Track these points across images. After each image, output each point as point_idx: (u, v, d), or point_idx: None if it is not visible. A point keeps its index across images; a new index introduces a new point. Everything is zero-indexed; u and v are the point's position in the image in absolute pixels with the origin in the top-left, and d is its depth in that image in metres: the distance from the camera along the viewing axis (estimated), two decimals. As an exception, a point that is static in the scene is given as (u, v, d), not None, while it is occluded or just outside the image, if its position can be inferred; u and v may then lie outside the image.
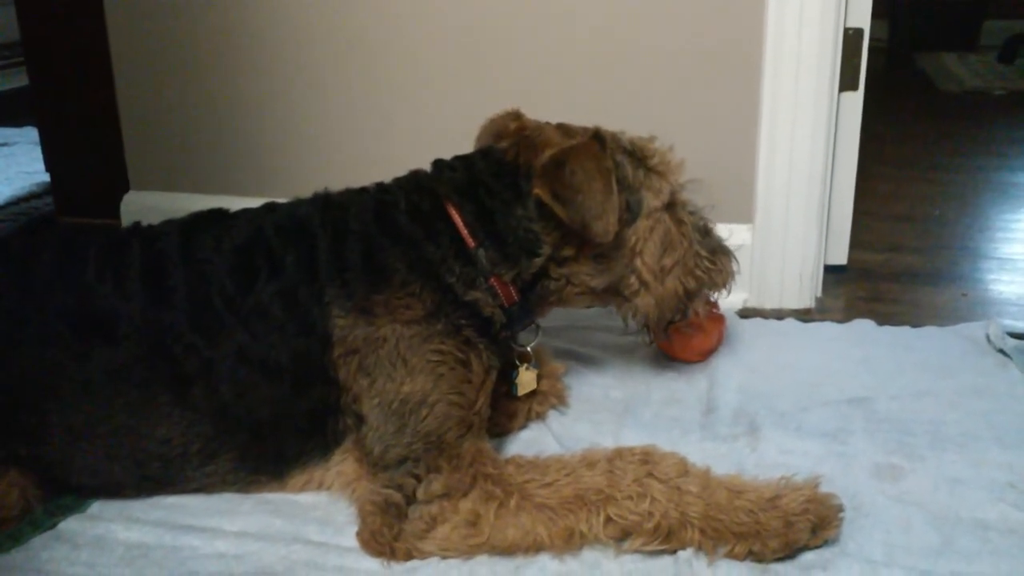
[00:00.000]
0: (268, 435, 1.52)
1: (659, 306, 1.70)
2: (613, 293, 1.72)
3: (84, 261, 1.54)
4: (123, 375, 1.48)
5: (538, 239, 1.60)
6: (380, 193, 1.63)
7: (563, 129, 1.65)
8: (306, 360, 1.50)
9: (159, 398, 1.48)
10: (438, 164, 1.67)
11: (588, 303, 1.75)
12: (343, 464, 1.54)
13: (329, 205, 1.61)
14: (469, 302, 1.57)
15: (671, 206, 1.70)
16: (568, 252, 1.63)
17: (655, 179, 1.67)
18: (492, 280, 1.59)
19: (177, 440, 1.50)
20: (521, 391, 1.75)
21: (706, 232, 1.76)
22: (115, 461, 1.52)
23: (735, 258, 1.80)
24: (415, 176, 1.66)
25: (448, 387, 1.50)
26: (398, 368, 1.48)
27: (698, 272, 1.72)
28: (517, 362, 1.75)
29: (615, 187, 1.54)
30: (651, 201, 1.66)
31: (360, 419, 1.50)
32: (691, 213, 1.74)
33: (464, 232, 1.57)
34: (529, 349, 1.76)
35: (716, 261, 1.75)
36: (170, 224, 1.63)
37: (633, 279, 1.68)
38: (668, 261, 1.68)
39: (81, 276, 1.52)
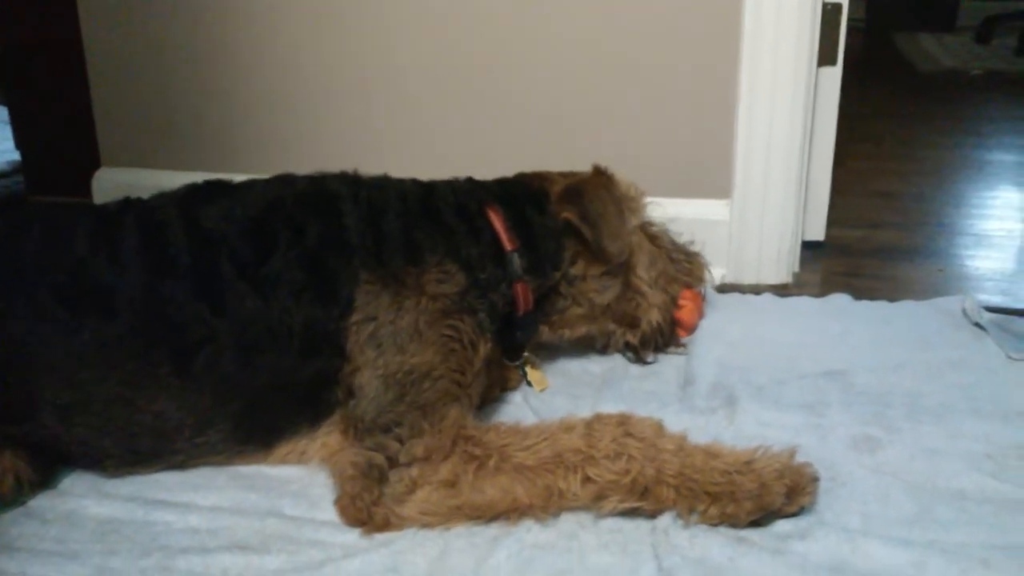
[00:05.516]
0: (265, 404, 1.51)
1: (661, 312, 1.86)
2: (610, 315, 1.84)
3: (75, 236, 1.51)
4: (119, 348, 1.45)
5: (561, 254, 1.73)
6: (424, 185, 1.70)
7: (562, 173, 1.81)
8: (320, 325, 1.49)
9: (158, 369, 1.46)
10: (472, 180, 1.76)
11: (585, 328, 1.85)
12: (329, 436, 1.53)
13: (360, 183, 1.64)
14: (490, 300, 1.63)
15: (642, 225, 1.89)
16: (577, 271, 1.76)
17: (631, 202, 1.84)
18: (517, 284, 1.67)
19: (172, 413, 1.47)
20: (538, 387, 1.83)
21: (673, 241, 1.96)
22: (106, 435, 1.48)
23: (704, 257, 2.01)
24: (453, 181, 1.74)
25: (455, 364, 1.52)
26: (412, 340, 1.49)
27: (681, 276, 1.92)
28: (520, 364, 1.83)
29: (626, 212, 1.73)
30: (632, 220, 1.81)
31: (351, 393, 1.49)
32: (656, 227, 1.94)
33: (504, 235, 1.66)
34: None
35: (691, 260, 1.96)
36: (164, 197, 1.61)
37: (632, 293, 1.83)
38: (654, 272, 1.86)
39: (72, 251, 1.49)
